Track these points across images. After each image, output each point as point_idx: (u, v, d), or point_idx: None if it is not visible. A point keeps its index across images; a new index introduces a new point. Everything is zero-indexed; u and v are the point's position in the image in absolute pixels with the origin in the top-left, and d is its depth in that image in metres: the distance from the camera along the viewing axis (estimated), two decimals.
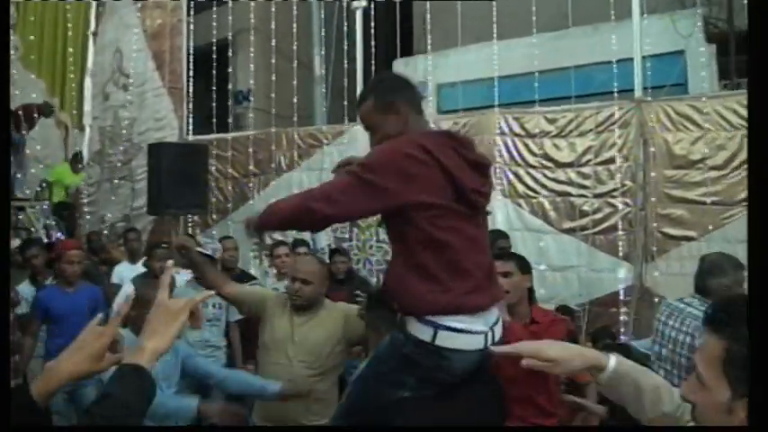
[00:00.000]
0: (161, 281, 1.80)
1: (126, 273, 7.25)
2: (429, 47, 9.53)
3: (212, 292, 1.73)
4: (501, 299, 2.81)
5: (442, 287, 2.49)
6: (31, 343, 5.67)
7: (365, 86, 2.95)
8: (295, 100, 9.57)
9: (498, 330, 2.65)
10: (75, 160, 10.16)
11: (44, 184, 10.17)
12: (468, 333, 2.51)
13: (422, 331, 2.49)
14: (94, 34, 11.39)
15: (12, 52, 10.30)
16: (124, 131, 10.90)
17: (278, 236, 8.57)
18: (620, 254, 7.28)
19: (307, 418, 3.79)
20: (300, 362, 3.79)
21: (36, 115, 10.01)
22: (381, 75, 3.06)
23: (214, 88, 10.17)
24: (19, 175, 9.71)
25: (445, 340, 2.48)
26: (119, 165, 10.87)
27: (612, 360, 1.75)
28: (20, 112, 9.69)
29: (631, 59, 7.64)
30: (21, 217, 9.37)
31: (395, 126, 2.66)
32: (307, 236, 8.26)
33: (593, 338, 6.01)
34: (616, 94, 7.73)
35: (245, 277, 6.78)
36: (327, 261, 6.87)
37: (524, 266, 3.87)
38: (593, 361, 1.77)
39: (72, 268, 5.77)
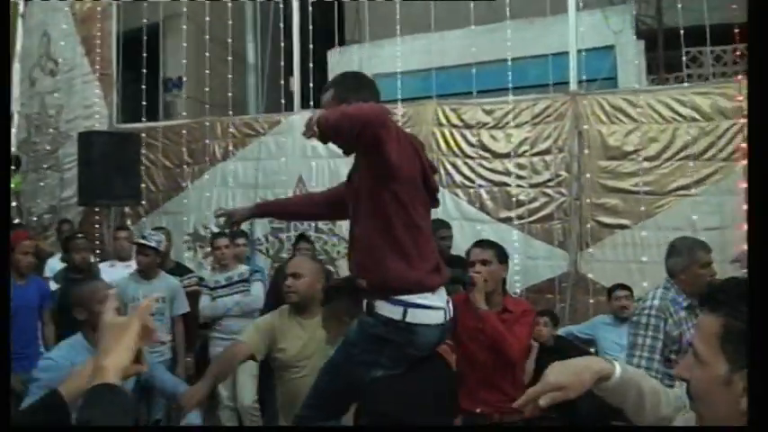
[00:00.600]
0: (106, 305, 1.70)
1: (59, 266, 7.08)
2: (367, 36, 9.53)
3: (155, 297, 1.68)
4: (447, 280, 3.01)
5: (412, 266, 2.73)
6: None
7: (330, 80, 3.11)
8: (230, 89, 9.43)
9: (451, 307, 2.93)
10: (11, 162, 9.76)
11: None
12: (433, 309, 2.78)
13: (392, 311, 2.72)
14: (22, 16, 10.99)
15: None
16: (51, 119, 10.52)
17: (216, 228, 8.49)
18: (556, 242, 7.42)
19: None
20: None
21: None
22: (346, 72, 3.19)
23: (144, 74, 9.94)
24: None
25: (415, 317, 2.72)
26: (45, 154, 10.53)
27: (618, 367, 1.76)
28: None
29: (565, 53, 7.78)
30: None
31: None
32: (245, 227, 8.19)
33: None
34: (552, 87, 7.88)
35: (180, 269, 6.69)
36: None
37: (502, 256, 4.01)
38: (602, 372, 1.75)
39: (26, 259, 5.67)
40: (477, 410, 3.84)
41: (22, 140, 10.73)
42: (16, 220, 9.34)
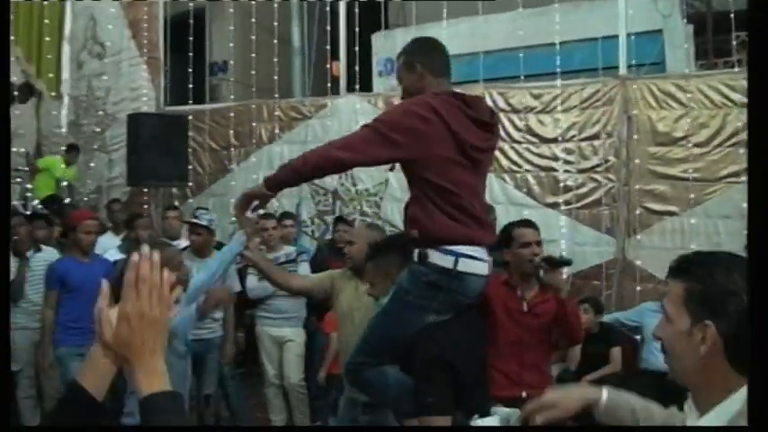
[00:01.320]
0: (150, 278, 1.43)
1: (110, 244, 7.19)
2: (413, 19, 9.52)
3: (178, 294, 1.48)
4: (495, 240, 3.24)
5: (459, 222, 2.93)
6: (50, 314, 5.64)
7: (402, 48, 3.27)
8: (276, 73, 9.49)
9: (491, 263, 3.11)
10: (69, 152, 9.89)
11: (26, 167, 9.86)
12: (480, 260, 2.98)
13: (444, 260, 2.92)
14: None
15: None
16: (99, 101, 10.67)
17: (262, 210, 8.56)
18: (603, 228, 7.39)
19: None
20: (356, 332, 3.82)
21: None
22: (417, 38, 3.34)
23: (191, 58, 10.04)
24: None
25: (465, 265, 2.93)
26: (93, 135, 10.68)
27: (604, 392, 1.93)
28: None
29: (614, 37, 7.71)
30: None
31: (412, 84, 3.10)
32: (292, 209, 8.29)
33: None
34: (600, 71, 7.82)
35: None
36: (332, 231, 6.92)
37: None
38: (588, 397, 1.94)
39: (89, 238, 5.76)
40: (524, 395, 3.80)
41: (70, 122, 10.90)
42: (68, 200, 9.51)
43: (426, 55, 3.14)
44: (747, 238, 1.69)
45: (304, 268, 6.34)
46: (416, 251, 2.99)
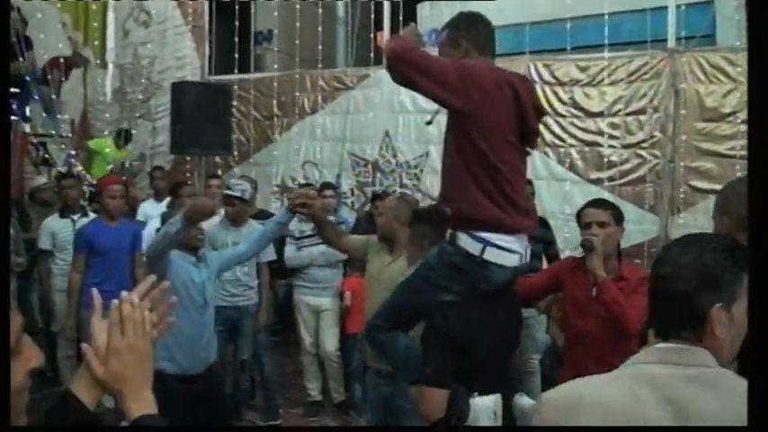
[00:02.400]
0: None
1: (151, 210, 7.30)
2: None
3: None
4: (535, 228, 3.18)
5: (498, 206, 2.86)
6: (77, 278, 5.76)
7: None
8: (320, 43, 9.45)
9: (529, 253, 3.06)
10: (121, 136, 9.97)
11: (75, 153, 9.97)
12: (510, 252, 2.91)
13: (472, 246, 2.88)
14: None
15: None
16: (144, 69, 10.77)
17: (302, 180, 8.62)
18: (647, 206, 7.25)
19: None
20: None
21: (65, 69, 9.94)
22: (462, 11, 3.21)
23: (236, 27, 10.03)
24: (45, 114, 9.67)
25: (492, 255, 2.88)
26: (138, 103, 10.79)
27: None
28: (47, 67, 9.63)
29: (663, 8, 7.51)
30: (42, 153, 9.35)
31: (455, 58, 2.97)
32: (332, 179, 8.30)
33: None
34: (649, 44, 7.64)
35: (265, 215, 6.81)
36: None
37: (619, 217, 3.75)
38: None
39: (114, 203, 5.87)
40: None
41: (115, 90, 11.02)
42: (110, 166, 9.64)
43: (472, 30, 3.05)
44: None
45: None
46: (449, 231, 2.99)
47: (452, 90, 2.77)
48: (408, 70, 2.74)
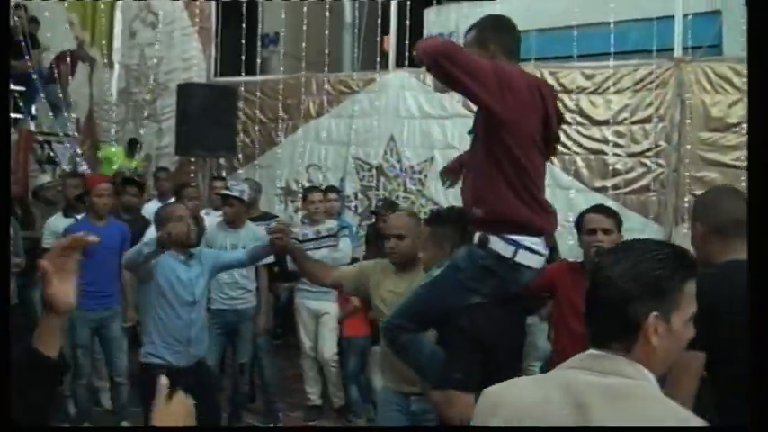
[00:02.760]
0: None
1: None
2: None
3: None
4: (555, 229, 3.23)
5: (529, 208, 2.89)
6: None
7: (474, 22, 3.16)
8: (326, 46, 9.46)
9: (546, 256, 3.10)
10: (131, 146, 10.02)
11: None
12: (538, 254, 2.96)
13: (504, 249, 2.89)
14: None
15: None
16: (150, 70, 10.79)
17: (307, 183, 8.62)
18: (651, 215, 7.25)
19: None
20: None
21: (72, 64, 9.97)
22: (490, 14, 3.24)
23: (243, 29, 10.05)
24: (51, 113, 9.69)
25: (524, 258, 2.90)
26: (144, 104, 10.81)
27: None
28: (53, 63, 9.66)
29: (670, 17, 7.52)
30: (48, 152, 9.37)
31: None
32: (336, 183, 8.30)
33: None
34: (655, 53, 7.63)
35: (268, 217, 6.81)
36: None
37: (620, 224, 3.83)
38: None
39: (102, 201, 5.86)
40: None
41: (121, 90, 11.04)
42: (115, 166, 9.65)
43: (501, 34, 3.03)
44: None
45: (345, 243, 6.36)
46: (477, 234, 2.96)
47: (492, 93, 2.76)
48: (453, 68, 2.71)
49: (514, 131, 2.83)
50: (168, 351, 4.48)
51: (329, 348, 6.38)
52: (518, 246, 2.89)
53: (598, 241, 3.64)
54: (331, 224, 6.46)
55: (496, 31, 3.02)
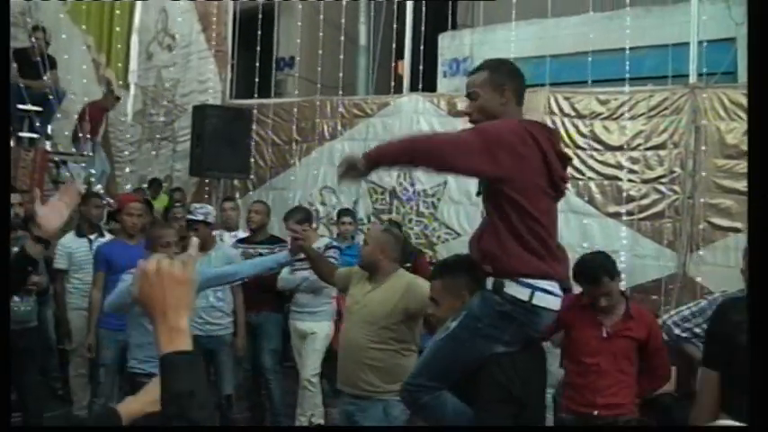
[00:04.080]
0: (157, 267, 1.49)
1: None
2: (480, 20, 9.44)
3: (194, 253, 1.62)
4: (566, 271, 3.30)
5: (538, 255, 2.87)
6: (98, 296, 5.72)
7: (484, 61, 3.19)
8: (341, 70, 9.52)
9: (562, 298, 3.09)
10: (152, 186, 10.07)
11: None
12: (555, 295, 2.94)
13: (521, 292, 2.86)
14: None
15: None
16: (167, 92, 10.89)
17: (320, 205, 8.63)
18: (665, 241, 7.19)
19: (364, 383, 4.11)
20: (360, 328, 4.15)
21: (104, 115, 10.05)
22: (500, 59, 3.31)
23: (258, 53, 10.13)
24: (66, 132, 9.77)
25: (540, 300, 2.87)
26: (160, 125, 10.89)
27: None
28: (86, 115, 9.70)
29: (685, 44, 7.51)
30: (63, 171, 9.42)
31: (495, 105, 2.99)
32: (350, 206, 8.30)
33: None
34: (670, 79, 7.62)
35: (274, 241, 6.74)
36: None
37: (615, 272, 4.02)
38: None
39: (132, 220, 5.89)
40: (595, 413, 3.84)
41: (137, 111, 11.14)
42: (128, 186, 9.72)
43: (515, 81, 3.05)
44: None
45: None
46: (491, 280, 2.92)
47: (481, 159, 2.79)
48: (439, 161, 2.88)
49: (515, 184, 2.82)
50: (151, 364, 4.39)
51: (309, 367, 6.12)
52: (534, 288, 2.87)
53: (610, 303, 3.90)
54: (319, 244, 6.34)
55: (511, 77, 3.04)
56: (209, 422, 1.39)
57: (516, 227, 2.84)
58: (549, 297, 2.91)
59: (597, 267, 3.88)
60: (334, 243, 6.78)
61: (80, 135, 9.58)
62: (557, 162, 2.95)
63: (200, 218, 5.73)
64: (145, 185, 10.43)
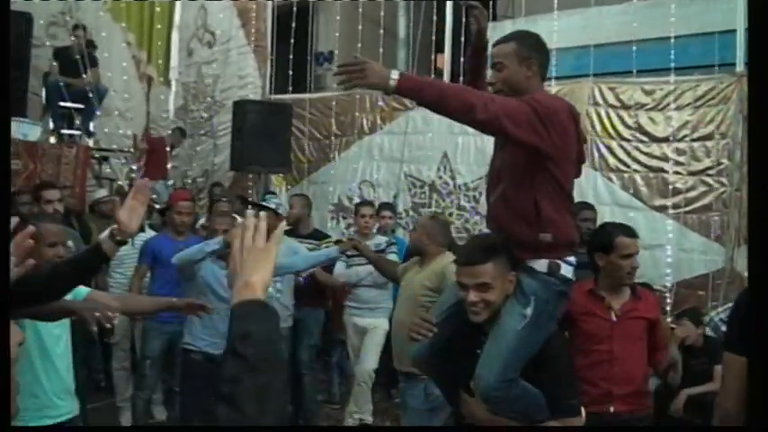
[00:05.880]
0: (252, 226, 1.76)
1: None
2: (522, 11, 9.30)
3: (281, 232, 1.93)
4: None
5: (570, 225, 2.97)
6: (139, 284, 5.88)
7: (511, 33, 3.12)
8: (380, 63, 9.44)
9: None
10: (174, 134, 10.18)
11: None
12: (571, 265, 2.99)
13: (569, 271, 2.94)
14: None
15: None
16: (208, 88, 10.95)
17: (358, 199, 8.58)
18: (713, 235, 7.01)
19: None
20: (406, 307, 4.61)
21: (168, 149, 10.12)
22: (527, 31, 3.18)
23: (297, 47, 10.12)
24: (107, 129, 9.86)
25: (571, 274, 2.96)
26: (201, 121, 10.94)
27: None
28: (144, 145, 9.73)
29: (732, 31, 7.29)
30: (105, 168, 9.52)
31: (521, 78, 2.92)
32: (390, 199, 8.26)
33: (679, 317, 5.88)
34: (717, 68, 7.42)
35: (318, 235, 6.77)
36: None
37: None
38: None
39: (181, 218, 5.99)
40: (611, 410, 3.63)
41: (179, 107, 11.22)
42: (170, 182, 9.79)
43: (542, 54, 3.00)
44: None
45: (393, 259, 6.29)
46: (546, 262, 2.90)
47: (537, 133, 2.74)
48: (501, 123, 2.68)
49: (559, 161, 2.84)
50: (205, 342, 5.07)
51: (369, 362, 6.18)
52: (572, 265, 2.97)
53: (634, 267, 3.73)
54: (379, 240, 6.43)
55: (539, 51, 2.99)
56: (268, 370, 1.41)
57: (561, 201, 2.90)
58: (571, 269, 2.98)
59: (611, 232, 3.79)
60: (394, 239, 6.81)
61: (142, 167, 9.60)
62: (581, 144, 3.04)
63: (273, 206, 5.79)
64: (188, 180, 10.53)
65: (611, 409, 3.62)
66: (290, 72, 10.05)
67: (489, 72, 3.03)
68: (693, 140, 7.17)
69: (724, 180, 7.02)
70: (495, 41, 3.03)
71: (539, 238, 2.87)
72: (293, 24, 10.13)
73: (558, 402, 2.90)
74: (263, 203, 5.95)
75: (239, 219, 5.65)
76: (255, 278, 1.60)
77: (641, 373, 3.80)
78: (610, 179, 7.42)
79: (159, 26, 11.21)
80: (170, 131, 10.59)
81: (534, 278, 2.90)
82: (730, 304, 4.17)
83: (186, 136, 10.58)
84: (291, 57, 10.05)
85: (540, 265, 2.90)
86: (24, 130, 8.60)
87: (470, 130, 7.91)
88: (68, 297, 2.98)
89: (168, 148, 10.05)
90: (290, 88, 10.07)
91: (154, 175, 9.14)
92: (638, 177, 7.38)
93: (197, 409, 4.88)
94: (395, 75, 2.71)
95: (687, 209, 7.13)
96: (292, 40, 10.03)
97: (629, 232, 3.81)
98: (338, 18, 10.39)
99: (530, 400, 2.92)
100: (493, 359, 2.87)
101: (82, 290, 3.30)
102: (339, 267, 6.27)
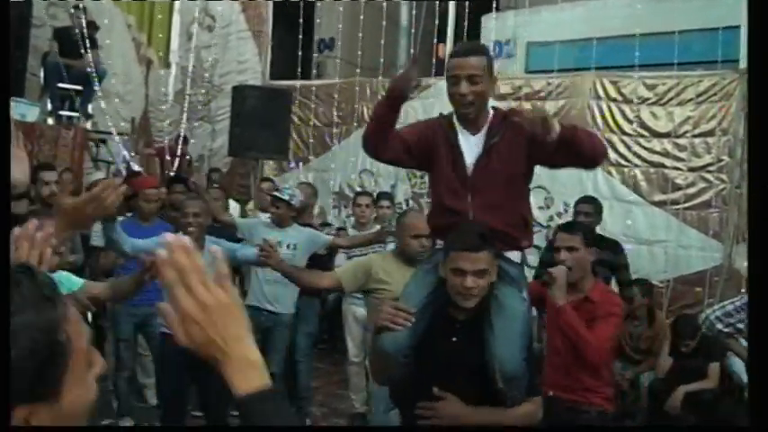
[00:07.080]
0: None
1: None
2: (526, 2, 9.26)
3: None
4: None
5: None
6: (107, 268, 5.85)
7: (472, 42, 3.48)
8: (382, 52, 9.41)
9: None
10: None
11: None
12: None
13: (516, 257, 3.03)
14: None
15: None
16: (206, 72, 10.89)
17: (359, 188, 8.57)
18: (711, 232, 7.02)
19: None
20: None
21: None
22: (480, 43, 3.48)
23: (298, 34, 10.07)
24: (103, 105, 9.76)
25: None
26: (199, 105, 10.89)
27: None
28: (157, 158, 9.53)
29: (736, 27, 7.27)
30: (102, 149, 9.46)
31: (489, 94, 2.94)
32: (389, 189, 8.23)
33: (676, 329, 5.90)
34: (719, 64, 7.40)
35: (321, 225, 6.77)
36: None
37: (589, 239, 3.89)
38: None
39: (148, 206, 5.88)
40: (550, 393, 3.68)
41: (177, 91, 11.13)
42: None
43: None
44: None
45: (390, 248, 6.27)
46: (519, 253, 3.10)
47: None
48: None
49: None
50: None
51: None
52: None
53: (561, 260, 3.73)
54: (374, 229, 6.38)
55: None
56: None
57: (528, 200, 3.08)
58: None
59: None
60: (391, 228, 6.77)
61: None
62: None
63: (286, 197, 5.76)
64: None
65: (551, 393, 3.68)
66: (293, 59, 9.98)
67: (463, 84, 2.83)
68: (694, 136, 7.17)
69: (724, 177, 7.02)
70: (460, 51, 2.99)
71: (516, 231, 2.96)
72: (295, 10, 10.06)
73: (530, 382, 2.96)
74: (277, 194, 5.94)
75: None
76: (253, 352, 1.24)
77: (588, 373, 3.77)
78: (610, 174, 7.41)
79: (160, 9, 11.13)
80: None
81: (513, 266, 2.97)
82: (726, 302, 4.19)
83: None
84: (294, 44, 9.99)
85: (515, 255, 2.97)
86: (22, 110, 8.52)
87: None
88: (63, 291, 2.92)
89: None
90: (294, 74, 9.98)
91: (145, 183, 9.06)
92: (638, 172, 7.38)
93: (176, 394, 4.83)
94: None
95: (686, 205, 7.14)
96: (299, 29, 9.95)
97: (565, 226, 4.16)
98: (341, 9, 10.35)
99: (527, 379, 2.98)
100: (511, 341, 2.88)
101: (76, 281, 3.25)
102: (340, 258, 6.26)
